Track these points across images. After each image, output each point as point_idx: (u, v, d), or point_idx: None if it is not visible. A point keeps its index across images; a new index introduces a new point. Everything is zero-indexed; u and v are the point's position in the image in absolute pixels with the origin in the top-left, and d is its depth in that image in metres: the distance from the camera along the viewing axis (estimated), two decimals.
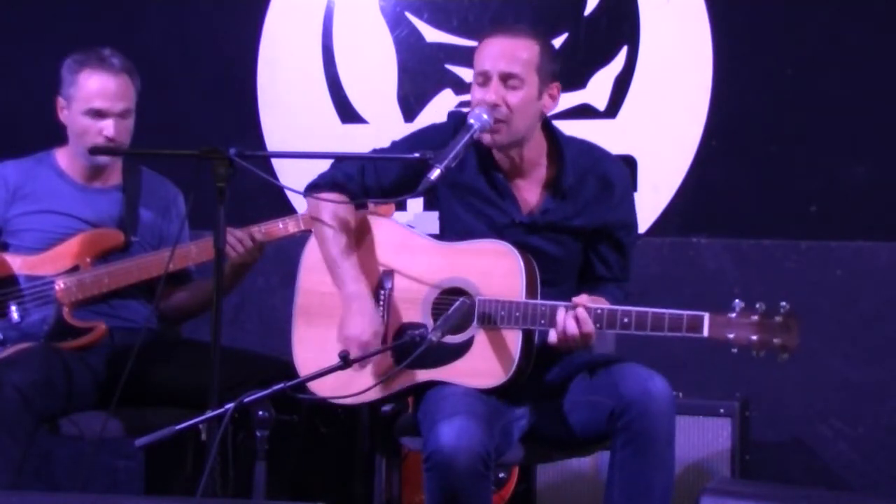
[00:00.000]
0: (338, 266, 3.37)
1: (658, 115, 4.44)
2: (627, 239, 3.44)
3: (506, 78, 3.26)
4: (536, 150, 3.37)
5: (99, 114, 3.75)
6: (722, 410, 3.95)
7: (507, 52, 3.27)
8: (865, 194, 4.26)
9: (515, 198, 3.37)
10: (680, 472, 3.87)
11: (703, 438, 3.95)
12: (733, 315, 3.03)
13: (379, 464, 3.60)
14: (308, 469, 3.99)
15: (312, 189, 3.45)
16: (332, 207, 3.39)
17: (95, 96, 3.75)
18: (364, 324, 3.29)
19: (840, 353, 4.25)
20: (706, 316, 3.05)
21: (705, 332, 3.05)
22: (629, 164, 4.41)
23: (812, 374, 4.25)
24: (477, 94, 3.28)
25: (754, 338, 3.01)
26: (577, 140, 3.44)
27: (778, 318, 3.01)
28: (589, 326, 3.13)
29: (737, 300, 3.04)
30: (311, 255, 3.46)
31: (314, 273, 3.44)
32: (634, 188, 4.41)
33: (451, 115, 3.51)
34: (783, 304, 3.02)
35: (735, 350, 3.03)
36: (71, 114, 3.80)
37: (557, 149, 3.38)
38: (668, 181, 4.43)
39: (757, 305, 3.02)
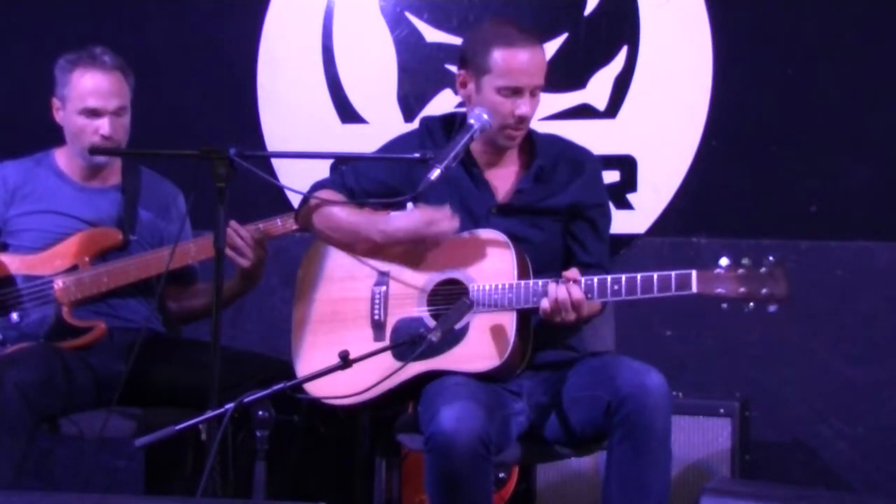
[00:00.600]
0: (355, 224, 3.36)
1: (658, 115, 4.43)
2: (602, 221, 3.47)
3: (534, 89, 3.30)
4: None
5: (94, 113, 3.74)
6: (722, 410, 3.95)
7: (538, 65, 3.30)
8: (865, 194, 4.26)
9: (490, 186, 3.40)
10: (680, 472, 3.87)
11: (703, 438, 3.94)
12: (721, 270, 3.08)
13: (379, 464, 3.60)
14: (308, 469, 3.98)
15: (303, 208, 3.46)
16: (324, 205, 3.39)
17: (89, 95, 3.74)
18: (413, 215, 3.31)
19: (840, 353, 4.25)
20: (694, 272, 3.10)
21: (694, 288, 3.09)
22: (629, 164, 4.42)
23: (812, 374, 4.25)
24: (506, 106, 3.28)
25: (742, 289, 3.06)
26: (544, 133, 3.49)
27: (764, 269, 3.06)
28: (578, 294, 3.15)
29: (723, 257, 3.09)
30: (324, 262, 3.47)
31: (331, 282, 3.44)
32: (634, 188, 4.41)
33: (423, 120, 3.53)
34: (769, 256, 3.07)
35: (725, 305, 3.08)
36: (66, 114, 3.79)
37: (529, 138, 3.43)
38: (668, 181, 4.42)
39: (743, 261, 3.08)
